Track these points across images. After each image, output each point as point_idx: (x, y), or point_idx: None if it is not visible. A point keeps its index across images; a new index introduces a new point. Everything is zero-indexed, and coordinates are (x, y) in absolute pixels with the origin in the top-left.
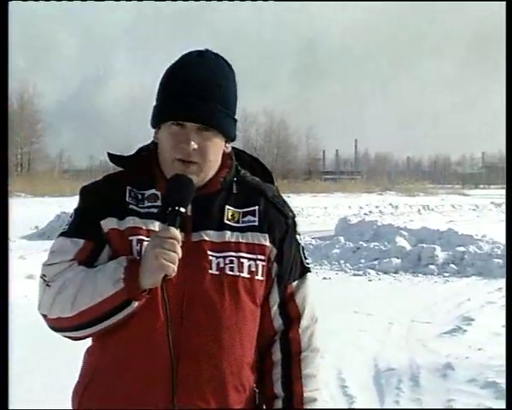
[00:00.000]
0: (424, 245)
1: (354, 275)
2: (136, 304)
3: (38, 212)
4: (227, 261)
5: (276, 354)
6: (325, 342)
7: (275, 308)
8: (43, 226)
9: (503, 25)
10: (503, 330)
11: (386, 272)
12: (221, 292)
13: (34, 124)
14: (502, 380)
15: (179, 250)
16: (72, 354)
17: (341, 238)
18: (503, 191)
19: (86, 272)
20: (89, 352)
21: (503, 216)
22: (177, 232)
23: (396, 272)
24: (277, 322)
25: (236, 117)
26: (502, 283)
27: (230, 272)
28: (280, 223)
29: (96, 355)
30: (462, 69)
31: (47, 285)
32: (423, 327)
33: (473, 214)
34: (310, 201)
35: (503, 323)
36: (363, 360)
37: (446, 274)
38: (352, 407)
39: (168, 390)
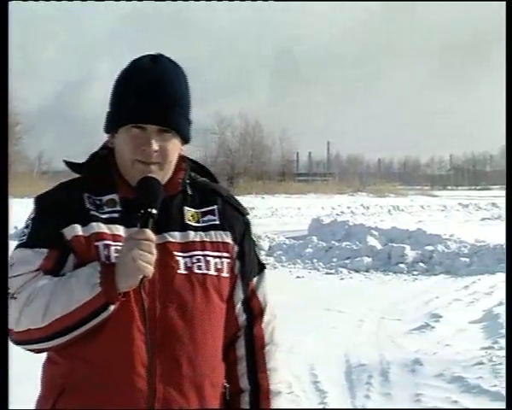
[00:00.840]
0: (394, 244)
1: (327, 273)
2: (112, 308)
3: (17, 212)
4: (194, 260)
5: (241, 350)
6: (299, 339)
7: (239, 305)
8: (21, 227)
9: (475, 26)
10: (470, 327)
11: (357, 271)
12: (192, 291)
13: (13, 126)
14: (468, 375)
15: (155, 251)
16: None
17: (314, 238)
18: (470, 192)
19: (56, 281)
20: (52, 361)
21: (470, 216)
22: (151, 234)
23: (367, 271)
24: (241, 318)
25: (209, 119)
26: (468, 280)
27: (199, 271)
28: (238, 221)
29: (67, 365)
30: (433, 74)
31: (12, 298)
32: (393, 324)
33: (441, 215)
34: (284, 201)
35: (470, 319)
36: (334, 356)
37: (415, 272)
38: (325, 401)
39: (148, 393)
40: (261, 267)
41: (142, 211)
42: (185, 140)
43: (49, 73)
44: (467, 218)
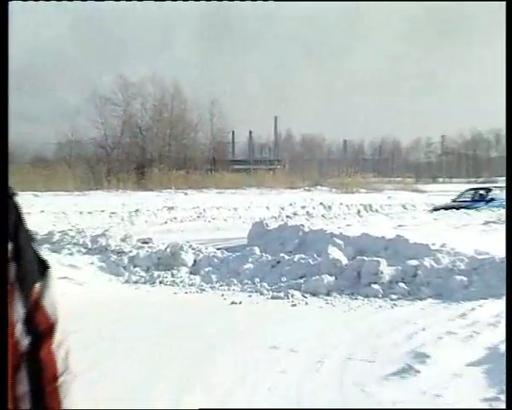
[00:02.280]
0: (365, 258)
1: (273, 298)
2: None
3: None
4: None
5: (23, 386)
6: (232, 388)
7: (19, 325)
8: None
9: None
10: (468, 370)
11: (314, 294)
12: None
13: None
14: None
15: None
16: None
17: (256, 249)
18: (469, 186)
19: None
20: None
21: (469, 219)
22: None
23: (328, 294)
24: (23, 342)
25: (110, 85)
26: (466, 307)
27: None
28: (8, 204)
29: None
30: (419, 25)
31: None
32: (363, 367)
33: (429, 217)
34: (214, 199)
35: (468, 360)
36: None
37: (394, 296)
38: None
39: None
40: (44, 268)
41: None
42: None
43: None
44: (464, 221)
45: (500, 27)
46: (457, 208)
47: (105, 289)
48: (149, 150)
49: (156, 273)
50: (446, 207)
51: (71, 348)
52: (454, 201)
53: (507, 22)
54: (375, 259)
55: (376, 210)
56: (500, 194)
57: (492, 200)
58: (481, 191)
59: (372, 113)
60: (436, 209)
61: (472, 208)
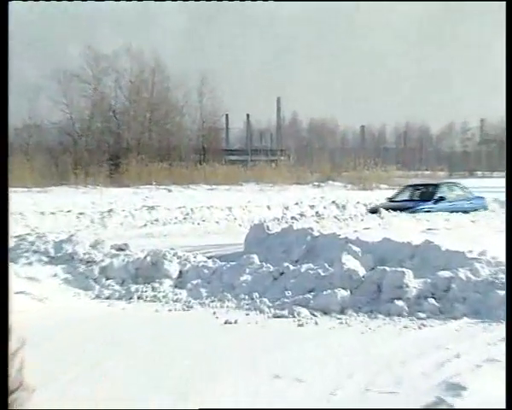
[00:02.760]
0: (387, 268)
1: (275, 317)
2: None
3: None
4: None
5: None
6: None
7: None
8: None
9: None
10: None
11: (326, 312)
12: None
13: None
14: None
15: None
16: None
17: (255, 257)
18: None
19: None
20: None
21: None
22: None
23: (342, 312)
24: None
25: (77, 59)
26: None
27: None
28: None
29: None
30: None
31: None
32: (384, 400)
33: (465, 219)
34: (204, 196)
35: None
36: None
37: (422, 315)
38: None
39: None
40: None
41: None
42: None
43: None
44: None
45: None
46: (396, 210)
47: (70, 306)
48: (125, 138)
49: (134, 287)
50: (386, 208)
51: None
52: (391, 200)
53: (507, 22)
54: (399, 269)
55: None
56: (448, 192)
57: (442, 199)
58: (425, 188)
59: (395, 93)
60: (373, 211)
61: (417, 211)
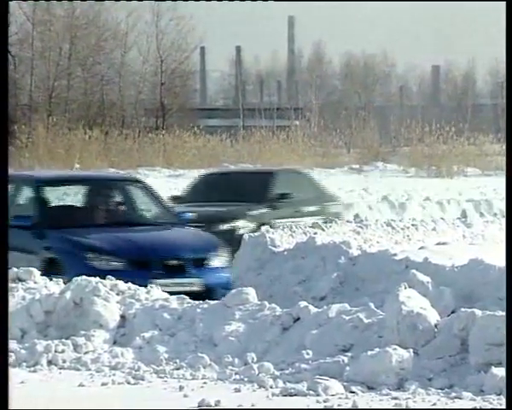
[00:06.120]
0: (478, 311)
1: (285, 395)
2: None
3: None
4: None
5: None
6: None
7: None
8: None
9: None
10: None
11: (372, 387)
12: None
13: None
14: None
15: None
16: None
17: (250, 293)
18: None
19: None
20: None
21: None
22: None
23: (400, 387)
24: None
25: None
26: None
27: None
28: None
29: None
30: None
31: None
32: None
33: None
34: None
35: None
36: None
37: None
38: None
39: None
40: None
41: None
42: None
43: None
44: None
45: None
46: None
47: None
48: (26, 88)
49: (42, 344)
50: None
51: None
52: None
53: (507, 22)
54: (499, 314)
55: (500, 212)
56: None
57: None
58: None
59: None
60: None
61: None
